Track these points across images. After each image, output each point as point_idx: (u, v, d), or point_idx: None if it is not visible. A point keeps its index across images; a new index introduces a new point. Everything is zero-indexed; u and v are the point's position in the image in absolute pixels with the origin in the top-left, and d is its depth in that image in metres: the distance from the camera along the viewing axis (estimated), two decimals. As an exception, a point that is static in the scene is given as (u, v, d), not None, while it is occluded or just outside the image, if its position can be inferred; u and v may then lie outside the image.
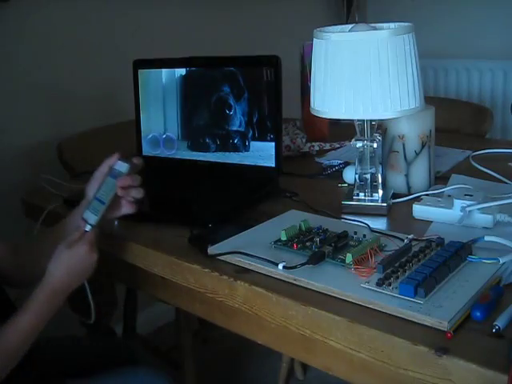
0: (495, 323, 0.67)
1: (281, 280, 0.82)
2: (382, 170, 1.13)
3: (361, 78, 0.95)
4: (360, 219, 1.00)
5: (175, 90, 1.30)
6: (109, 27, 1.92)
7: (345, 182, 1.21)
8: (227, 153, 1.25)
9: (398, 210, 1.06)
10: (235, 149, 1.24)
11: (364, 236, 0.90)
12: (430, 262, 0.77)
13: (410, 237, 0.88)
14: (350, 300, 0.75)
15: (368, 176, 1.06)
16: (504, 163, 1.26)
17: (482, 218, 0.94)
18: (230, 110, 1.23)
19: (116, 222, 1.07)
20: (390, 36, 0.94)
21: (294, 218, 0.99)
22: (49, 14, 1.77)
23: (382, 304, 0.73)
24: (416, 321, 0.70)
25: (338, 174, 1.25)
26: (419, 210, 1.01)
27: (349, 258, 0.82)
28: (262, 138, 1.20)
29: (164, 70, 1.31)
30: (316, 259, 0.83)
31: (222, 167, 1.26)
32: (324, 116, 1.02)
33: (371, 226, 0.95)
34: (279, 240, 0.91)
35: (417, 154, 1.10)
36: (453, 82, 2.59)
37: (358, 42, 0.94)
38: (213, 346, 2.02)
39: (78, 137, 1.66)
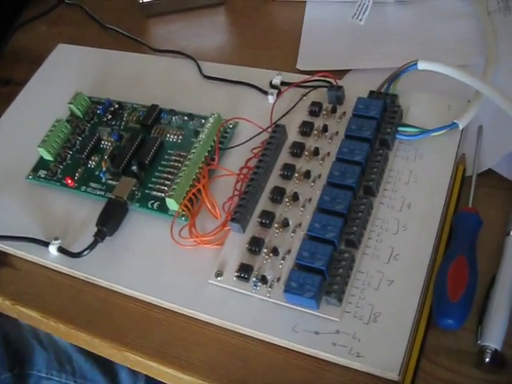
0: (484, 344, 0.32)
1: (66, 274, 0.42)
2: None
3: None
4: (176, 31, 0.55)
5: None
6: None
7: None
8: None
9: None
10: None
11: (190, 118, 0.45)
12: (326, 202, 0.36)
13: (272, 95, 0.45)
14: (194, 316, 0.38)
15: None
16: None
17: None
18: None
19: None
20: None
21: (65, 73, 0.53)
22: None
23: (261, 328, 0.35)
24: (333, 361, 0.34)
25: None
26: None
27: (172, 204, 0.40)
28: None
29: None
30: (111, 228, 0.41)
31: None
32: None
33: (196, 54, 0.50)
34: (40, 165, 0.46)
35: None
36: None
37: None
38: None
39: None
